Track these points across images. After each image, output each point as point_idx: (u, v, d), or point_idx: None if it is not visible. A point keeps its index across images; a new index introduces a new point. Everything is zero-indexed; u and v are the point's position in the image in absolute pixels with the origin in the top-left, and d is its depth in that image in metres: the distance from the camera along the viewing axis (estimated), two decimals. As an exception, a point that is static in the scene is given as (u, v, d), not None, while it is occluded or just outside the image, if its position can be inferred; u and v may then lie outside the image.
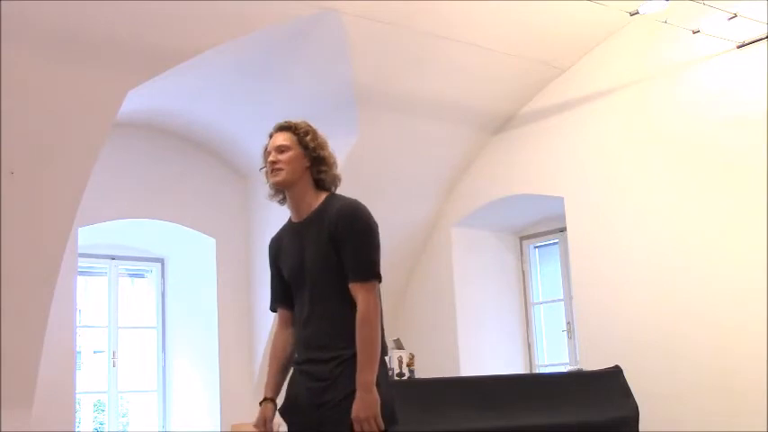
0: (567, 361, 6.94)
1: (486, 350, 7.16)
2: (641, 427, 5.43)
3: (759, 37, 5.50)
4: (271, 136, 3.00)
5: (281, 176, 2.89)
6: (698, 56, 5.83)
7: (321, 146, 2.93)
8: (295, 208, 2.95)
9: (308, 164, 2.90)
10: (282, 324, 3.04)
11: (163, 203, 6.91)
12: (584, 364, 6.20)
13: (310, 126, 2.98)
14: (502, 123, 6.98)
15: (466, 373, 6.81)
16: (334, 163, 2.98)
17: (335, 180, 2.98)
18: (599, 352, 6.08)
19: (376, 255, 2.82)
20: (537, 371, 7.24)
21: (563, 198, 6.58)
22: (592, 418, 5.22)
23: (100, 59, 5.08)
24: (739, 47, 5.61)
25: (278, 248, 3.02)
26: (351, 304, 2.77)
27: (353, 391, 2.69)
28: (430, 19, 5.74)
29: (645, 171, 6.06)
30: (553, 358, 7.27)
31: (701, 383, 5.58)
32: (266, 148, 2.99)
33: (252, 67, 5.93)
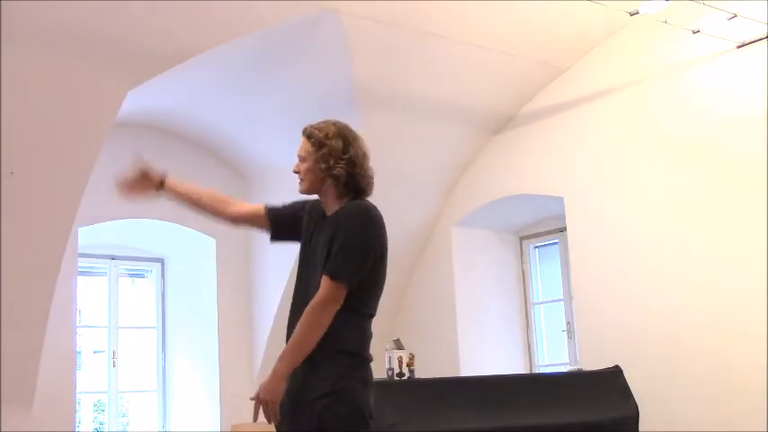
0: (567, 361, 6.94)
1: (486, 350, 7.15)
2: (641, 427, 5.43)
3: (759, 37, 5.50)
4: None
5: (303, 187, 2.94)
6: (698, 56, 5.83)
7: (335, 158, 2.86)
8: (324, 207, 2.97)
9: (322, 173, 2.89)
10: (245, 208, 3.14)
11: (163, 203, 6.80)
12: (584, 364, 6.20)
13: (330, 133, 2.90)
14: (502, 123, 6.98)
15: (466, 373, 6.81)
16: (350, 171, 2.88)
17: (358, 186, 2.90)
18: (599, 352, 6.07)
19: (355, 259, 2.75)
20: (537, 371, 7.23)
21: (563, 198, 6.58)
22: (592, 418, 5.23)
23: (100, 59, 5.09)
24: (739, 47, 5.60)
25: (306, 215, 3.01)
26: (343, 311, 2.74)
27: (326, 394, 2.67)
28: (430, 19, 5.74)
29: (645, 171, 6.06)
30: (553, 358, 7.27)
31: (701, 383, 5.57)
32: None
33: (252, 66, 5.93)
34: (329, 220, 2.88)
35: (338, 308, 2.72)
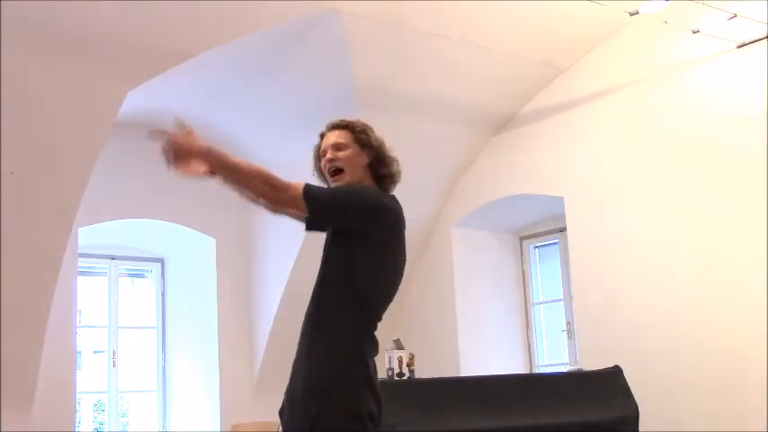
0: (567, 361, 6.94)
1: (486, 350, 7.16)
2: (641, 427, 5.42)
3: (759, 37, 5.50)
4: (322, 136, 2.93)
5: (342, 178, 2.85)
6: (698, 56, 5.83)
7: (381, 144, 2.88)
8: None
9: (367, 161, 2.86)
10: None
11: (163, 203, 6.90)
12: (584, 364, 6.20)
13: (367, 124, 2.93)
14: (502, 123, 6.98)
15: (466, 373, 6.81)
16: (394, 161, 2.94)
17: (395, 178, 2.95)
18: (599, 352, 6.07)
19: (337, 195, 2.74)
20: (537, 371, 7.24)
21: (563, 198, 6.58)
22: (592, 418, 5.22)
23: (100, 59, 5.09)
24: (739, 47, 5.61)
25: None
26: (344, 311, 2.73)
27: (320, 394, 2.65)
28: (430, 19, 5.74)
29: (645, 171, 6.07)
30: (553, 358, 7.27)
31: (701, 383, 5.58)
32: (318, 148, 2.93)
33: (252, 66, 5.93)
34: None
35: (275, 206, 2.69)
